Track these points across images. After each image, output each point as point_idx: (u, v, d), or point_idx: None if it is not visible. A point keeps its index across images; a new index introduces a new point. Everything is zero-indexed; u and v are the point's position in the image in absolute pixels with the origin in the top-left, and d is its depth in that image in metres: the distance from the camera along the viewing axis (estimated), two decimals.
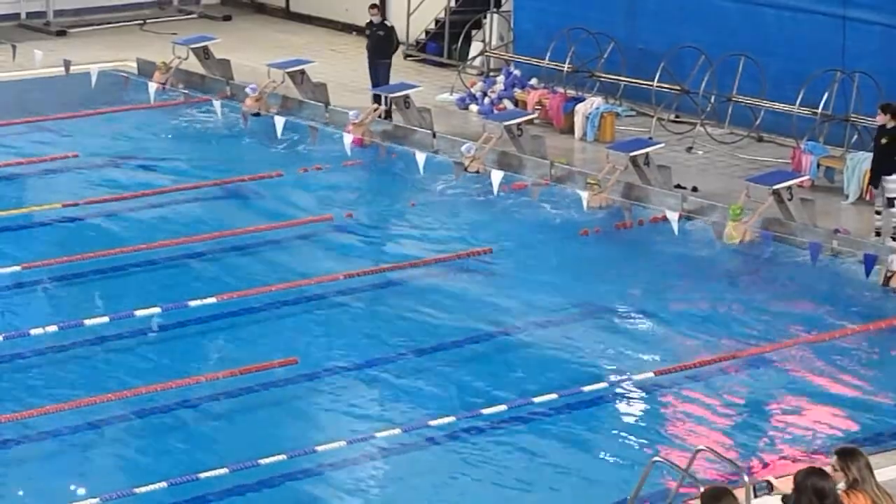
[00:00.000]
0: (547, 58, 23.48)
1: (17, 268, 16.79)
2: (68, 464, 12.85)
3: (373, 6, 23.62)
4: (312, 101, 23.31)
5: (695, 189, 19.72)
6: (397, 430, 13.23)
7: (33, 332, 14.95)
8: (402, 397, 14.12)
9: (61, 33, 28.52)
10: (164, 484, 12.07)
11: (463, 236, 18.32)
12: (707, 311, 16.05)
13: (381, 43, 23.33)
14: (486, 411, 13.53)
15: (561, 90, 23.19)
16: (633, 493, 11.13)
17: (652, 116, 22.38)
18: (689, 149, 21.80)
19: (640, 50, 23.29)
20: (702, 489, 9.15)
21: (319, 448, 12.78)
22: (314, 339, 15.38)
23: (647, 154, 19.79)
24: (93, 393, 13.75)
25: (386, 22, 23.63)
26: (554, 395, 13.90)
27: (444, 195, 19.82)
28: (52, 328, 15.03)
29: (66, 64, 24.40)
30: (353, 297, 16.42)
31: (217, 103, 22.82)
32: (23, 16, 29.21)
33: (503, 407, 13.65)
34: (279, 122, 21.61)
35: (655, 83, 22.41)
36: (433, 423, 13.30)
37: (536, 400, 13.78)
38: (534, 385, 14.21)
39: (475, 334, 15.46)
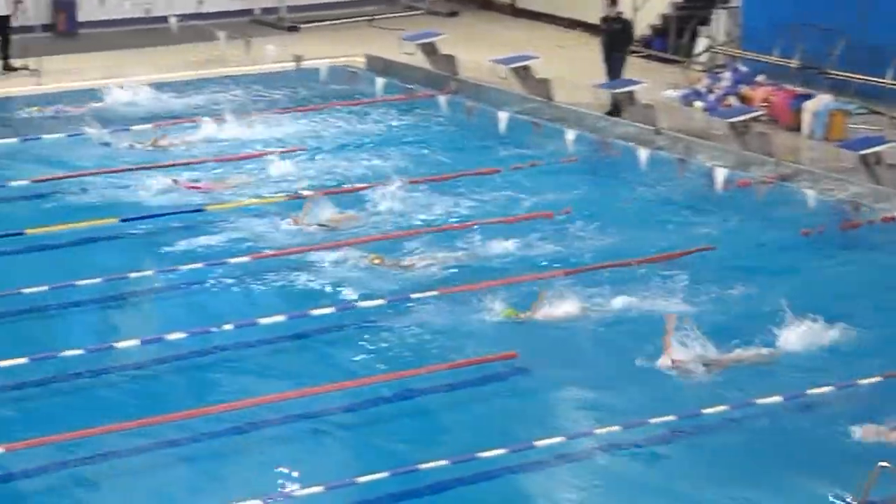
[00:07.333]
0: (775, 54, 23.01)
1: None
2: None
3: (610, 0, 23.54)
4: (536, 97, 23.32)
5: None
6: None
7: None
8: None
9: (293, 29, 29.16)
10: None
11: (685, 234, 18.03)
12: None
13: (618, 36, 23.27)
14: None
15: (788, 87, 22.73)
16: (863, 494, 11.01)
17: (885, 115, 21.77)
18: None
19: (873, 46, 22.65)
20: None
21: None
22: None
23: (878, 153, 19.27)
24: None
25: (622, 15, 23.54)
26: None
27: (666, 192, 19.55)
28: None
29: (297, 59, 24.92)
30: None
31: (442, 98, 23.01)
32: (256, 11, 29.97)
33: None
34: (503, 117, 21.68)
35: (889, 80, 21.80)
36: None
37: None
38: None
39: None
